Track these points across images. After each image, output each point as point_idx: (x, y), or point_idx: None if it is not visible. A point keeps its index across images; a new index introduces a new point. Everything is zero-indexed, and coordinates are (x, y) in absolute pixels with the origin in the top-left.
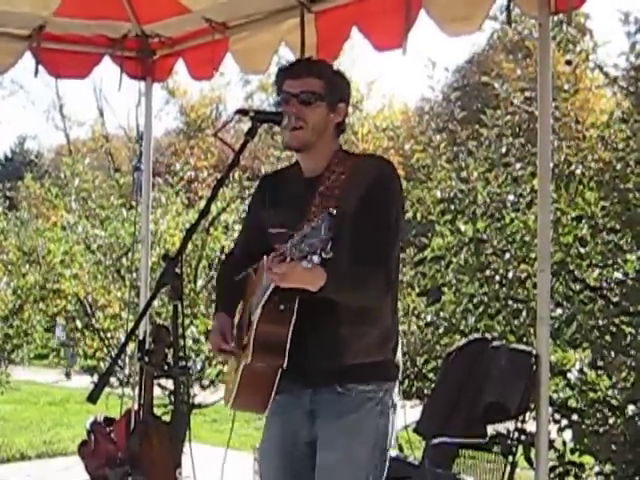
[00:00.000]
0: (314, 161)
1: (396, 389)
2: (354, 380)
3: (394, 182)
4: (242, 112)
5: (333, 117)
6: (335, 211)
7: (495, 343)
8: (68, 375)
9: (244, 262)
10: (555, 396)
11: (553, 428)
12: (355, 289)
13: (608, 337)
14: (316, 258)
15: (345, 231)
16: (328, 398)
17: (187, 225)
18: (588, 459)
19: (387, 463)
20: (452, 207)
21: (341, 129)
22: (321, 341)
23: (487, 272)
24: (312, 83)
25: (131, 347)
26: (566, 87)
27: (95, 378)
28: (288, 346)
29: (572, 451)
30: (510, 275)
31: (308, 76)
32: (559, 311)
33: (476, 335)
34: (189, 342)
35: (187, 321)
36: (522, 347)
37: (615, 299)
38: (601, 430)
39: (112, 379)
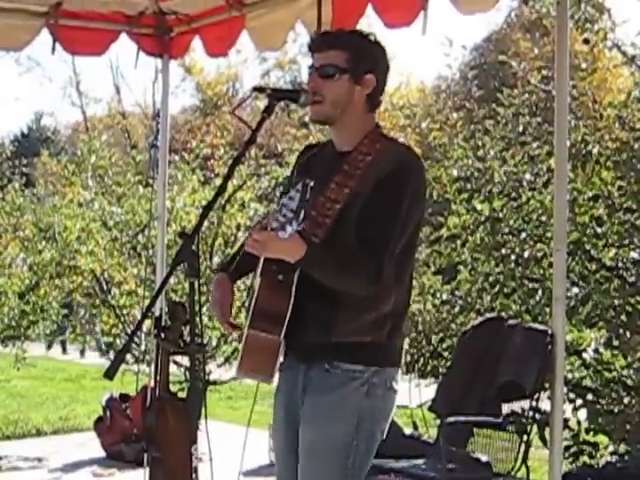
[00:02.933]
0: (344, 135)
1: (396, 375)
2: (340, 358)
3: (414, 174)
4: (259, 90)
5: (360, 90)
6: (312, 183)
7: (510, 322)
8: (83, 352)
9: None
10: (570, 375)
11: (568, 407)
12: (336, 274)
13: (624, 317)
14: (290, 228)
15: (354, 212)
16: (318, 375)
17: (203, 202)
18: (602, 438)
19: (375, 447)
20: (468, 186)
21: (374, 102)
22: (317, 317)
23: (503, 251)
24: (333, 56)
25: (147, 324)
26: (584, 66)
27: (111, 355)
28: (288, 318)
29: (587, 430)
30: (526, 254)
31: (329, 49)
32: (575, 290)
33: (491, 314)
34: (205, 319)
35: (203, 298)
36: (537, 326)
37: (631, 279)
38: (616, 410)
39: (128, 356)
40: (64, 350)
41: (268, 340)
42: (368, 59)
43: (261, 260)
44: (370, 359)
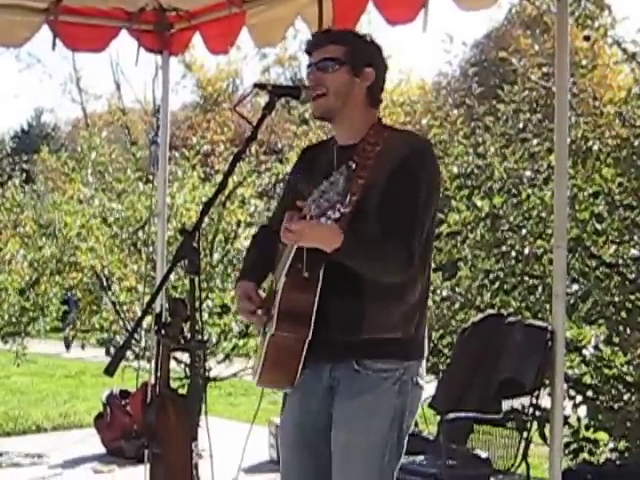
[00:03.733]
0: (346, 129)
1: (420, 369)
2: (370, 356)
3: (428, 159)
4: (260, 86)
5: (360, 82)
6: (354, 165)
7: (510, 319)
8: (68, 347)
9: (277, 233)
10: (570, 372)
11: (568, 404)
12: (372, 259)
13: (624, 313)
14: (334, 213)
15: (373, 203)
16: (346, 375)
17: (204, 199)
18: (602, 435)
19: (406, 440)
20: (469, 183)
21: (376, 97)
22: (343, 313)
23: (503, 248)
24: (331, 49)
25: (147, 320)
26: (584, 63)
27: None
28: (314, 316)
29: (587, 427)
30: (526, 251)
31: (327, 44)
32: (575, 287)
33: (491, 311)
34: (205, 316)
35: (203, 295)
36: (537, 323)
37: (631, 276)
38: (616, 406)
39: (128, 352)
40: (67, 347)
41: (294, 341)
42: (365, 53)
43: (289, 260)
44: (401, 355)
